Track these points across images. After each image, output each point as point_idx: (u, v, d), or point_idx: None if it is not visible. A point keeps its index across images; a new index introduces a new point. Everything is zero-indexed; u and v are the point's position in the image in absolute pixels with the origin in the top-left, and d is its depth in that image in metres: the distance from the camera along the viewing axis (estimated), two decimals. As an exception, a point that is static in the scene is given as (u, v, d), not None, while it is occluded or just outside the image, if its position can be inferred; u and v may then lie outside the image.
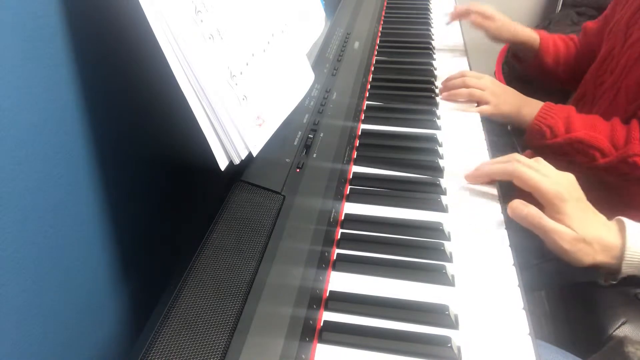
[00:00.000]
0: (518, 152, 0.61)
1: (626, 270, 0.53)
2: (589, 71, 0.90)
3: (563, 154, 0.78)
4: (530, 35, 1.01)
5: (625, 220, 0.54)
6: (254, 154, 0.50)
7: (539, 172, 0.55)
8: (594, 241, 0.52)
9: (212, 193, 0.51)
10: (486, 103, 0.79)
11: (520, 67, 1.08)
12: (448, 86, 0.82)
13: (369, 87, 0.83)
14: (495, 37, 0.99)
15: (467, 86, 0.80)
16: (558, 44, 1.01)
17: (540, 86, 1.11)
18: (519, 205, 0.54)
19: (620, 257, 0.53)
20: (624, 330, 0.74)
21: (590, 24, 0.98)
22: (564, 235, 0.52)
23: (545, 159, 0.59)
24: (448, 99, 0.81)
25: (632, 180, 0.76)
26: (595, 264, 0.54)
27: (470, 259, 0.50)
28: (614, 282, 0.56)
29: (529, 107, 0.80)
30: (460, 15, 1.00)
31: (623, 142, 0.73)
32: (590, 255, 0.53)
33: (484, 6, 0.99)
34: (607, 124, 0.76)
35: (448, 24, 1.02)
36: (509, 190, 0.94)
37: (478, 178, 0.60)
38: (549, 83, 1.07)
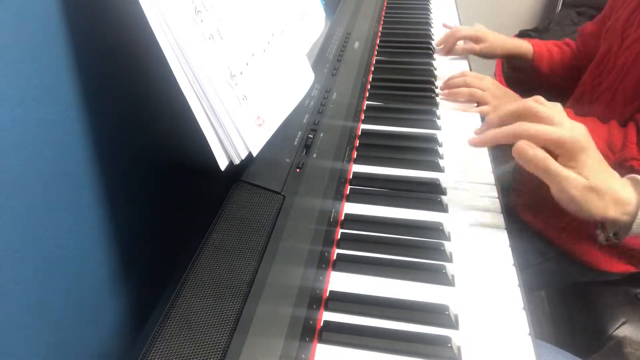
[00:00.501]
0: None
1: (636, 229, 0.50)
2: (587, 72, 0.90)
3: None
4: (522, 46, 1.01)
5: (637, 176, 0.52)
6: (254, 154, 0.49)
7: (552, 120, 0.51)
8: (608, 193, 0.50)
9: (212, 193, 0.51)
10: (486, 104, 0.79)
11: (517, 77, 1.08)
12: (449, 85, 0.82)
13: (369, 87, 0.83)
14: (486, 56, 0.99)
15: (468, 86, 0.80)
16: (552, 51, 1.01)
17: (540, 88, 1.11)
18: (524, 147, 0.50)
19: (634, 213, 0.50)
20: (624, 330, 0.74)
21: (587, 27, 0.98)
22: (574, 181, 0.49)
23: None
24: (448, 97, 0.81)
25: None
26: (605, 218, 0.51)
27: (470, 259, 0.50)
28: (616, 242, 0.54)
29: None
30: (449, 47, 0.98)
31: (620, 146, 0.73)
32: (601, 208, 0.50)
33: (469, 29, 0.97)
34: (604, 128, 0.76)
35: (447, 54, 1.00)
36: (509, 189, 0.95)
37: (484, 143, 0.56)
38: (548, 89, 1.07)
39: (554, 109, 0.53)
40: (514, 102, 0.81)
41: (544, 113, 0.52)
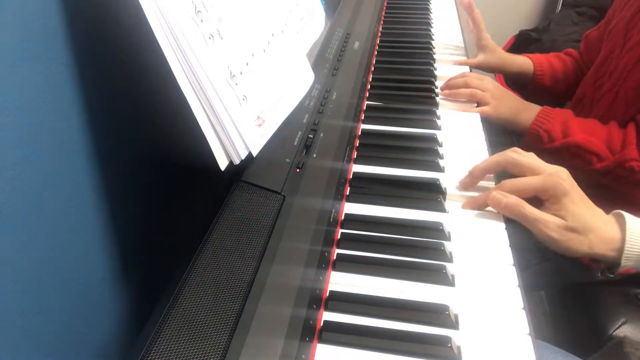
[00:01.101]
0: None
1: (625, 263, 0.52)
2: (588, 73, 0.90)
3: (560, 158, 0.78)
4: (521, 63, 1.00)
5: (625, 213, 0.53)
6: (254, 154, 0.49)
7: (534, 169, 0.54)
8: (592, 232, 0.52)
9: (212, 193, 0.51)
10: (486, 104, 0.79)
11: (521, 94, 1.08)
12: (450, 85, 0.82)
13: (369, 87, 0.83)
14: (484, 68, 0.99)
15: (468, 86, 0.80)
16: (554, 64, 1.00)
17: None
18: (496, 196, 0.53)
19: (620, 249, 0.52)
20: (624, 330, 0.74)
21: (592, 34, 0.98)
22: (549, 223, 0.51)
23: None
24: (449, 97, 0.81)
25: (629, 184, 0.76)
26: (592, 255, 0.53)
27: (470, 259, 0.50)
28: (611, 276, 0.55)
29: (527, 112, 0.81)
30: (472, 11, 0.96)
31: (620, 147, 0.73)
32: (586, 245, 0.52)
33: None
34: (604, 128, 0.76)
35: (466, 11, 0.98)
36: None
37: (475, 179, 0.59)
38: (550, 97, 1.07)
39: (533, 158, 0.56)
40: (512, 103, 0.82)
41: (525, 163, 0.55)
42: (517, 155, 0.56)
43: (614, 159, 0.74)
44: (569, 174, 0.54)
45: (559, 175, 0.53)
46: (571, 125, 0.76)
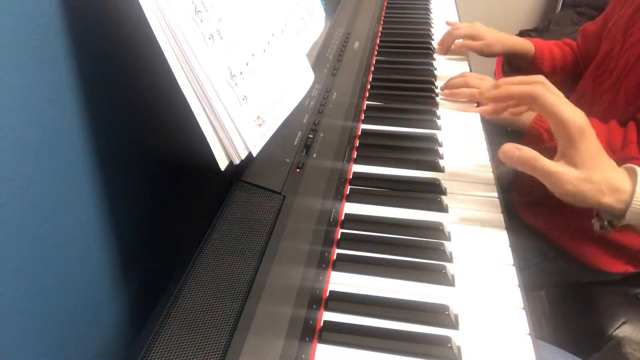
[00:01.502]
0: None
1: (630, 217, 0.51)
2: (588, 71, 0.90)
3: None
4: (523, 44, 1.00)
5: (636, 167, 0.53)
6: (254, 154, 0.49)
7: (562, 100, 0.52)
8: (602, 181, 0.51)
9: (212, 193, 0.51)
10: (486, 104, 0.79)
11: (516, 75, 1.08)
12: (450, 85, 0.82)
13: (369, 87, 0.83)
14: (485, 54, 0.99)
15: (468, 86, 0.80)
16: (554, 51, 1.01)
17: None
18: (510, 148, 0.52)
19: (628, 201, 0.51)
20: (624, 330, 0.74)
21: (589, 27, 0.98)
22: (565, 176, 0.50)
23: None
24: (449, 97, 0.81)
25: None
26: (601, 205, 0.52)
27: (470, 259, 0.50)
28: (610, 229, 0.55)
29: (528, 111, 0.81)
30: (447, 47, 0.99)
31: (620, 146, 0.73)
32: (595, 196, 0.51)
33: (468, 26, 0.98)
34: (604, 127, 0.76)
35: (446, 53, 1.01)
36: (509, 189, 0.94)
37: (498, 98, 0.58)
38: None
39: (561, 95, 0.54)
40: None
41: (554, 92, 0.53)
42: (547, 88, 0.54)
43: (615, 158, 0.74)
44: (587, 120, 0.53)
45: (581, 117, 0.51)
46: None
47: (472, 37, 0.97)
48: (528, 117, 0.80)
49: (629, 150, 0.72)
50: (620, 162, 0.73)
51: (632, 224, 0.52)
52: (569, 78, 1.00)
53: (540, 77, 0.56)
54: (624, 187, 0.51)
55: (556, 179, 0.50)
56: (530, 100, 0.54)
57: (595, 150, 0.51)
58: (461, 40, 0.99)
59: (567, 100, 0.54)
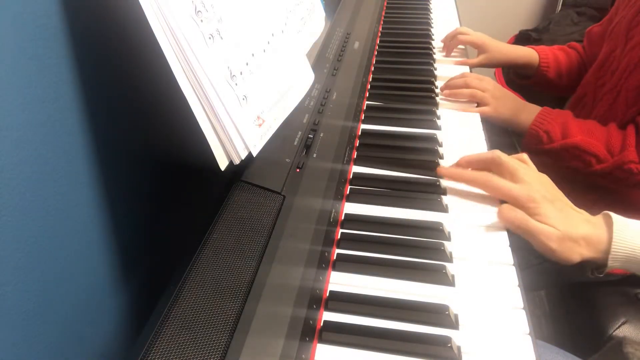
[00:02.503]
0: (518, 153, 0.61)
1: (612, 264, 0.53)
2: (589, 72, 0.90)
3: (560, 159, 0.78)
4: (527, 54, 1.00)
5: (612, 214, 0.54)
6: (254, 154, 0.49)
7: (515, 175, 0.56)
8: (579, 237, 0.52)
9: (212, 193, 0.51)
10: (486, 105, 0.79)
11: (523, 84, 1.08)
12: (450, 85, 0.82)
13: (369, 87, 0.84)
14: (487, 67, 1.00)
15: (468, 87, 0.80)
16: (559, 57, 1.00)
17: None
18: (506, 210, 0.54)
19: (607, 250, 0.52)
20: (624, 330, 0.74)
21: (595, 29, 0.98)
22: (549, 235, 0.52)
23: (542, 163, 0.58)
24: (449, 97, 0.81)
25: (628, 186, 0.76)
26: (583, 260, 0.54)
27: (470, 259, 0.50)
28: (601, 276, 0.56)
29: (527, 113, 0.81)
30: (452, 48, 1.00)
31: (619, 149, 0.73)
32: (577, 252, 0.53)
33: (472, 36, 0.98)
34: (603, 130, 0.76)
35: (448, 54, 1.01)
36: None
37: (452, 176, 0.61)
38: (552, 92, 1.07)
39: (520, 164, 0.57)
40: (512, 104, 0.82)
41: (509, 166, 0.56)
42: (504, 157, 0.58)
43: (613, 161, 0.74)
44: (548, 183, 0.56)
45: (535, 187, 0.54)
46: (570, 126, 0.76)
47: (476, 47, 0.98)
48: (527, 117, 0.80)
49: (627, 153, 0.72)
50: (618, 165, 0.73)
51: (619, 268, 0.54)
52: (575, 82, 0.99)
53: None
54: (601, 238, 0.53)
55: (543, 237, 0.52)
56: (482, 188, 0.58)
57: (557, 212, 0.53)
58: (463, 47, 0.99)
59: (525, 166, 0.57)
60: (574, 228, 0.52)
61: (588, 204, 0.68)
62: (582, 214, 0.55)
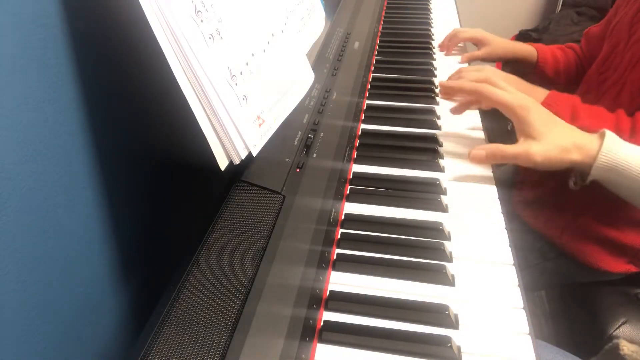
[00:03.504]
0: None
1: (595, 172, 0.56)
2: (591, 69, 0.90)
3: None
4: (526, 49, 1.00)
5: (607, 130, 0.58)
6: (254, 154, 0.49)
7: (504, 89, 0.60)
8: (567, 142, 0.56)
9: (212, 193, 0.51)
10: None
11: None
12: (447, 90, 0.81)
13: (369, 86, 0.83)
14: (489, 60, 1.00)
15: (463, 89, 0.79)
16: (557, 56, 1.01)
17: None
18: (475, 151, 0.59)
19: (594, 156, 0.55)
20: (624, 330, 0.74)
21: (593, 29, 0.98)
22: (530, 151, 0.56)
23: None
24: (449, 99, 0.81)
25: None
26: (570, 163, 0.57)
27: (470, 259, 0.50)
28: (583, 184, 0.60)
29: (534, 96, 0.80)
30: (450, 47, 1.00)
31: (629, 133, 0.73)
32: (564, 156, 0.56)
33: (471, 31, 0.99)
34: (612, 115, 0.75)
35: (448, 54, 1.02)
36: (509, 188, 0.94)
37: (450, 89, 0.67)
38: (551, 88, 1.07)
39: (508, 84, 0.62)
40: (517, 87, 0.81)
41: (501, 84, 0.62)
42: (496, 76, 0.64)
43: None
44: (534, 101, 0.60)
45: (523, 98, 0.59)
46: (579, 109, 0.76)
47: (476, 42, 0.98)
48: (536, 99, 0.79)
49: (637, 138, 0.72)
50: None
51: (598, 179, 0.58)
52: (573, 81, 1.00)
53: (489, 73, 0.65)
54: (592, 146, 0.56)
55: (524, 157, 0.56)
56: (478, 96, 0.63)
57: (545, 118, 0.58)
58: (462, 44, 0.99)
59: (512, 87, 0.62)
60: (560, 133, 0.57)
61: (589, 200, 0.68)
62: (569, 125, 0.59)
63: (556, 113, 0.77)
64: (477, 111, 0.78)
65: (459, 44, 1.00)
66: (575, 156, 0.56)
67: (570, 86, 1.00)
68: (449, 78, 0.82)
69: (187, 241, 0.44)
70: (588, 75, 0.90)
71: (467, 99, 0.71)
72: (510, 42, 1.01)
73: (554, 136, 0.57)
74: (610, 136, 0.57)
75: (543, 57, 1.00)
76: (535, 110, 0.58)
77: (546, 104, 0.78)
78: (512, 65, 1.06)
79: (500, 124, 0.85)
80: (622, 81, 0.79)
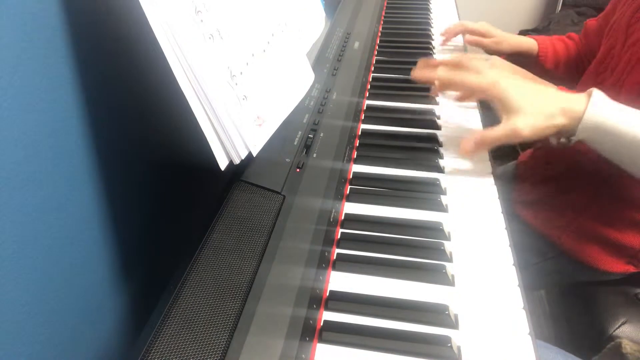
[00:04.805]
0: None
1: (580, 133, 0.56)
2: (589, 69, 0.90)
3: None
4: (527, 42, 1.01)
5: (594, 89, 0.57)
6: (254, 154, 0.50)
7: (477, 71, 0.60)
8: (551, 106, 0.55)
9: (212, 193, 0.51)
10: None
11: None
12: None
13: (369, 86, 0.83)
14: (493, 52, 1.00)
15: (464, 83, 0.79)
16: (557, 48, 1.01)
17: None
18: (463, 143, 0.59)
19: (580, 118, 0.55)
20: (624, 330, 0.74)
21: (591, 22, 0.98)
22: (515, 128, 0.55)
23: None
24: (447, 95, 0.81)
25: None
26: (558, 128, 0.56)
27: (470, 259, 0.50)
28: (568, 142, 0.59)
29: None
30: (455, 33, 1.01)
31: None
32: (550, 122, 0.56)
33: (477, 24, 0.99)
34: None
35: (445, 42, 1.02)
36: (509, 189, 0.94)
37: (420, 80, 0.66)
38: (550, 81, 1.07)
39: (483, 63, 0.62)
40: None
41: (471, 65, 0.62)
42: (469, 59, 0.63)
43: None
44: (507, 70, 0.61)
45: (496, 75, 0.58)
46: None
47: (483, 35, 0.99)
48: None
49: None
50: None
51: (583, 139, 0.57)
52: (572, 72, 1.00)
53: (463, 60, 0.64)
54: (579, 107, 0.55)
55: (512, 134, 0.56)
56: (454, 86, 0.63)
57: (523, 89, 0.57)
58: (461, 44, 1.00)
59: (487, 65, 0.62)
60: (543, 99, 0.56)
61: (587, 198, 0.68)
62: (550, 87, 0.59)
63: None
64: (477, 110, 0.78)
65: (458, 44, 1.00)
66: (561, 120, 0.56)
67: (570, 77, 1.01)
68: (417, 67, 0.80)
69: (187, 241, 0.44)
70: (586, 76, 0.90)
71: (459, 93, 0.71)
72: (512, 35, 1.02)
73: (537, 105, 0.56)
74: (598, 94, 0.56)
75: (544, 51, 1.00)
76: (508, 84, 0.57)
77: None
78: (514, 58, 1.06)
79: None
80: (620, 84, 0.78)
